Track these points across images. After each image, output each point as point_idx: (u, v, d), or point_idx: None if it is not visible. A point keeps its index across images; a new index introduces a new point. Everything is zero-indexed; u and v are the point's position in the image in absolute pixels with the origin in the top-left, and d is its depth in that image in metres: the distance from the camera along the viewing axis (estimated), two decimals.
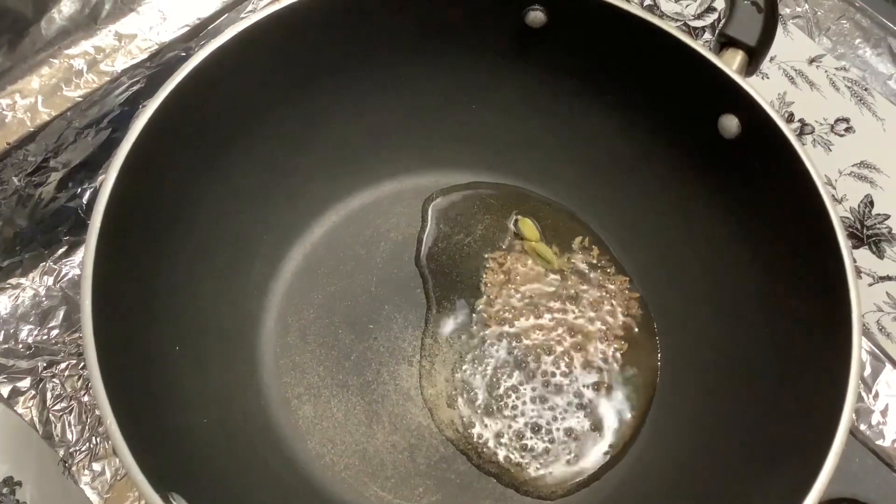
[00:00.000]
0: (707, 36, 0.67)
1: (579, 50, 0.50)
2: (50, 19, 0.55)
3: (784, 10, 0.68)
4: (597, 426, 0.50)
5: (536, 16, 0.49)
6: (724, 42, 0.48)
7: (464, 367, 0.51)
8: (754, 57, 0.48)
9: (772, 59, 0.66)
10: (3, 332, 0.53)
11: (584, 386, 0.51)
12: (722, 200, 0.49)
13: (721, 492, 0.44)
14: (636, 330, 0.53)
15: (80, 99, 0.54)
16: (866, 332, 0.57)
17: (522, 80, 0.53)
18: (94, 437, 0.51)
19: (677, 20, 0.67)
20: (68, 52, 0.56)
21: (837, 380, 0.39)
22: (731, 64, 0.47)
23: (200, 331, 0.48)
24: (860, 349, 0.40)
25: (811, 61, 0.66)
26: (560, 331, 0.52)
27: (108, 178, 0.40)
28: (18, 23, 0.53)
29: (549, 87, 0.53)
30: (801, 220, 0.44)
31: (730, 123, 0.46)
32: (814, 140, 0.63)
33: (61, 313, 0.54)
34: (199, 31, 0.58)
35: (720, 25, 0.49)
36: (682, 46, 0.46)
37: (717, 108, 0.46)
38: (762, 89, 0.45)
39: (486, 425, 0.50)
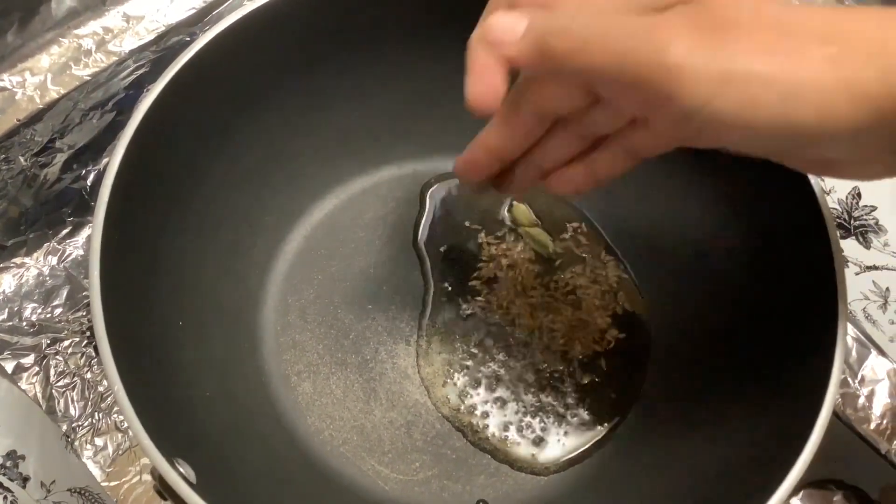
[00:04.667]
0: None
1: None
2: None
3: None
4: (589, 405, 0.51)
5: None
6: None
7: (459, 348, 0.52)
8: None
9: None
10: (7, 309, 0.54)
11: (576, 366, 0.52)
12: (713, 185, 0.50)
13: (708, 466, 0.45)
14: (628, 312, 0.54)
15: (88, 78, 0.55)
16: (853, 320, 0.58)
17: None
18: (96, 413, 0.51)
19: None
20: (77, 32, 0.57)
21: (823, 358, 0.40)
22: None
23: (203, 308, 0.48)
24: (846, 330, 0.41)
25: None
26: (553, 312, 0.53)
27: (114, 159, 0.41)
28: (29, 2, 0.54)
29: None
30: (791, 204, 0.45)
31: None
32: None
33: (65, 292, 0.55)
34: (206, 15, 0.59)
35: None
36: None
37: None
38: None
39: (480, 404, 0.51)
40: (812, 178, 0.44)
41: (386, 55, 0.53)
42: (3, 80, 0.55)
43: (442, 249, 0.56)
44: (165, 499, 0.40)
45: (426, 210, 0.57)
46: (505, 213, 0.57)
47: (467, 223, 0.57)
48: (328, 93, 0.53)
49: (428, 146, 0.58)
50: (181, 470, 0.36)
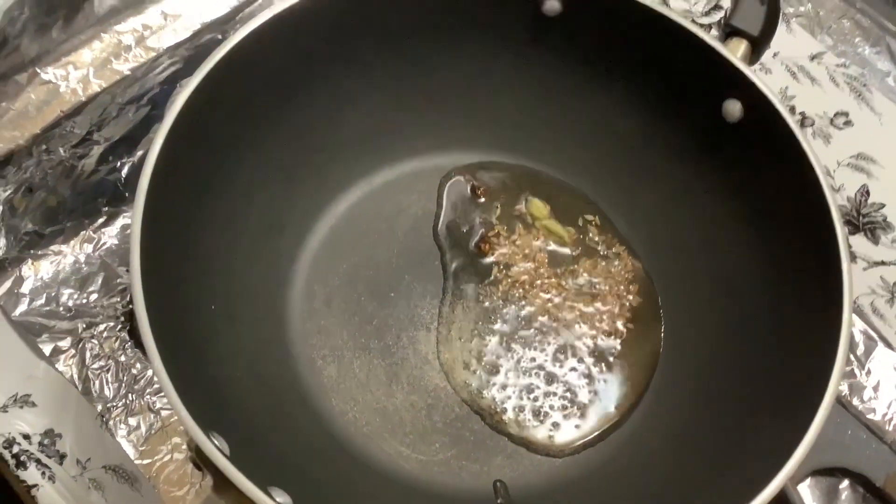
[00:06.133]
0: (714, 32, 0.69)
1: (592, 38, 0.53)
2: None
3: (787, 9, 0.71)
4: (603, 391, 0.53)
5: (552, 5, 0.52)
6: (729, 32, 0.51)
7: (478, 334, 0.54)
8: (757, 46, 0.51)
9: (775, 54, 0.68)
10: (45, 295, 0.56)
11: (591, 354, 0.54)
12: (724, 181, 0.52)
13: (716, 451, 0.46)
14: (641, 302, 0.56)
15: (128, 72, 0.57)
16: (861, 314, 0.59)
17: (538, 66, 0.56)
18: (129, 394, 0.53)
19: (686, 17, 0.70)
20: (118, 29, 0.60)
21: (828, 349, 0.42)
22: (735, 52, 0.50)
23: (234, 293, 0.50)
24: (850, 322, 0.42)
25: (812, 58, 0.68)
26: (569, 302, 0.55)
27: (152, 152, 0.43)
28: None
29: (563, 73, 0.55)
30: (799, 200, 0.46)
31: (733, 108, 0.49)
32: (814, 132, 0.66)
33: (100, 279, 0.57)
34: (238, 13, 0.61)
35: (726, 16, 0.52)
36: (690, 35, 0.49)
37: (722, 94, 0.49)
38: (765, 83, 0.48)
39: (498, 388, 0.52)
40: (820, 175, 0.45)
41: (408, 53, 0.55)
42: (47, 74, 0.57)
43: (460, 240, 0.57)
44: (201, 469, 0.42)
45: (445, 202, 0.59)
46: (522, 206, 0.59)
47: (485, 215, 0.58)
48: (353, 89, 0.55)
49: (448, 140, 0.60)
50: (216, 442, 0.38)
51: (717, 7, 0.71)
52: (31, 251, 0.57)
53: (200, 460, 0.38)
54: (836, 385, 0.41)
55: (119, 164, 0.60)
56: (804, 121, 0.66)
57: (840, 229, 0.44)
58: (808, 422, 0.40)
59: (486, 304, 0.55)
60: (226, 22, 0.62)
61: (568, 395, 0.52)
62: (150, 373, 0.54)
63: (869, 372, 0.57)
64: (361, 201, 0.58)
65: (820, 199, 0.45)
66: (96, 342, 0.55)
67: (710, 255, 0.53)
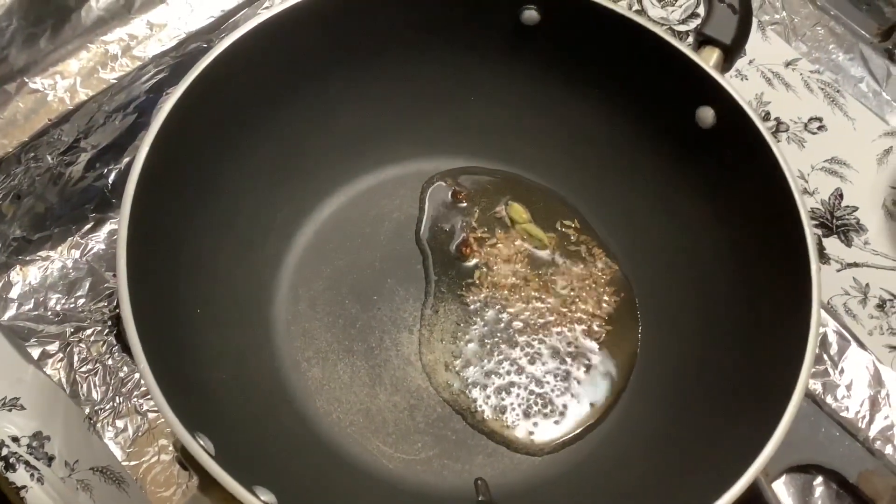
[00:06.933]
0: (690, 40, 0.70)
1: (570, 46, 0.54)
2: (89, 8, 0.60)
3: (763, 17, 0.72)
4: (582, 391, 0.54)
5: (531, 14, 0.53)
6: (702, 40, 0.52)
7: (459, 336, 0.55)
8: (730, 54, 0.52)
9: (751, 61, 0.70)
10: (33, 300, 0.56)
11: (570, 354, 0.55)
12: (699, 185, 0.53)
13: (691, 447, 0.47)
14: (619, 304, 0.57)
15: (114, 81, 0.58)
16: (834, 314, 0.60)
17: (517, 74, 0.57)
18: (117, 397, 0.54)
19: (663, 24, 0.71)
20: (104, 39, 0.61)
21: (797, 348, 0.43)
22: (708, 60, 0.51)
23: (219, 297, 0.51)
24: (818, 321, 0.43)
25: (787, 64, 0.70)
26: (548, 303, 0.56)
27: (138, 159, 0.44)
28: (61, 10, 0.58)
29: (541, 81, 0.56)
30: (770, 203, 0.47)
31: (706, 114, 0.50)
32: (788, 137, 0.67)
33: (87, 284, 0.57)
34: (223, 23, 0.62)
35: (699, 25, 0.53)
36: (664, 44, 0.50)
37: (695, 101, 0.50)
38: (741, 89, 0.48)
39: (479, 389, 0.53)
40: (791, 179, 0.46)
41: (391, 62, 0.56)
42: (35, 83, 0.58)
43: (442, 244, 0.58)
44: (187, 469, 0.43)
45: (427, 207, 0.60)
46: (503, 210, 0.60)
47: (466, 219, 0.59)
48: (336, 96, 0.56)
49: (430, 146, 0.61)
50: (201, 443, 0.38)
51: (693, 15, 0.72)
52: (20, 257, 0.58)
53: (186, 460, 0.39)
54: (804, 383, 0.42)
55: (106, 170, 0.60)
56: (779, 126, 0.67)
57: (809, 232, 0.45)
58: (777, 419, 0.41)
59: (468, 306, 0.56)
60: (210, 31, 0.63)
61: (547, 394, 0.54)
62: (136, 376, 0.54)
63: (842, 371, 0.58)
64: (345, 206, 0.59)
65: (790, 202, 0.46)
66: (84, 346, 0.55)
67: (686, 258, 0.54)
